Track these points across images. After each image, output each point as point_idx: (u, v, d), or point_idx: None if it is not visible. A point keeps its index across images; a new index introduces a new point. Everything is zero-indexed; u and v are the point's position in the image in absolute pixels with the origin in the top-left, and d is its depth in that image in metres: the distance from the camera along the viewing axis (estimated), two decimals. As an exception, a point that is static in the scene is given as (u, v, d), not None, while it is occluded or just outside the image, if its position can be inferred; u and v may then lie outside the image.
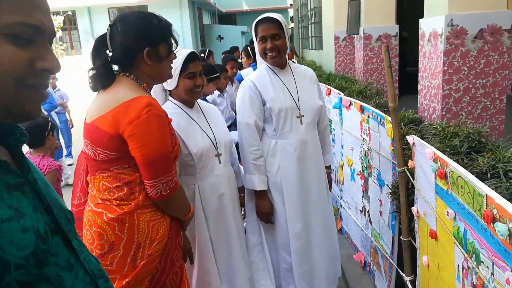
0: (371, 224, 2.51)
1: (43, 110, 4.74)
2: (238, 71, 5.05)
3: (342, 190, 3.14)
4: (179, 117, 1.85)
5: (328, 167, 2.33)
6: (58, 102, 5.45)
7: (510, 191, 1.35)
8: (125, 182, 1.34)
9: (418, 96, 3.32)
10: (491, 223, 1.13)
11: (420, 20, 3.20)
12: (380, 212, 2.33)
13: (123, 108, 1.28)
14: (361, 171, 2.61)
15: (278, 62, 2.09)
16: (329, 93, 3.28)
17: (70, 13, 16.49)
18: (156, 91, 1.94)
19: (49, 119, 2.73)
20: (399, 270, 2.09)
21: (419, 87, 3.28)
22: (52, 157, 2.69)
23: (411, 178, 1.80)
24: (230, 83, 4.09)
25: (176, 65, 1.74)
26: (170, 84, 1.84)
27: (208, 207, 1.87)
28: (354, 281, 2.60)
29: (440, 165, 1.46)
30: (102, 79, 1.37)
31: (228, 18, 25.80)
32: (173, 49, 1.47)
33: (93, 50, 1.39)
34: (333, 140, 3.16)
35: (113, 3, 16.81)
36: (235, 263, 1.96)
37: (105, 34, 1.38)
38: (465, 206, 1.29)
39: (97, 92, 1.41)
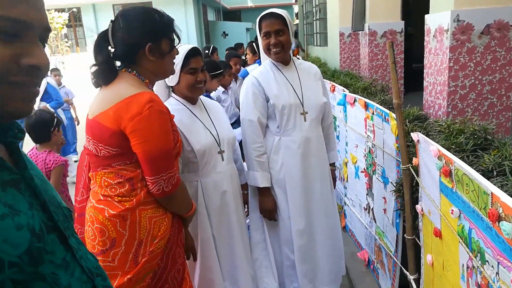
0: (375, 222, 2.49)
1: (49, 107, 4.76)
2: (243, 67, 5.04)
3: (346, 188, 3.12)
4: (182, 114, 1.84)
5: (332, 164, 2.32)
6: (64, 99, 5.47)
7: (516, 189, 1.33)
8: (127, 178, 1.34)
9: (424, 93, 3.28)
10: (497, 222, 1.11)
11: (426, 15, 3.16)
12: (384, 210, 2.32)
13: (124, 104, 1.28)
14: (365, 168, 2.59)
15: (282, 58, 2.07)
16: (334, 90, 3.26)
17: (75, 10, 16.53)
18: (159, 88, 1.93)
19: (55, 115, 2.76)
20: (403, 268, 2.07)
21: (425, 83, 3.25)
22: (58, 153, 2.71)
23: (415, 176, 1.79)
24: (234, 80, 4.08)
25: (178, 61, 1.73)
26: (172, 80, 1.83)
27: (210, 204, 1.87)
28: (357, 279, 2.58)
29: (445, 162, 1.44)
30: (104, 75, 1.36)
31: (233, 15, 25.76)
32: (175, 45, 1.46)
33: (95, 46, 1.38)
34: (338, 137, 3.15)
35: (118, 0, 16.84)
36: (237, 261, 1.96)
37: (107, 30, 1.38)
38: (470, 204, 1.27)
39: (99, 88, 1.41)
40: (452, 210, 1.40)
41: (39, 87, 0.65)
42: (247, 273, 2.00)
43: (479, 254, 1.25)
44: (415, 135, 1.70)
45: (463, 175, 1.30)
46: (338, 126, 3.15)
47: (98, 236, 1.35)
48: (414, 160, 1.76)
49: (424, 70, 3.23)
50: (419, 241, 1.82)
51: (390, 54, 1.83)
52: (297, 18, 19.75)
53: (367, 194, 2.61)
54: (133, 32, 1.35)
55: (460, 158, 1.46)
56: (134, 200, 1.34)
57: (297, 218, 2.09)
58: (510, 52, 2.80)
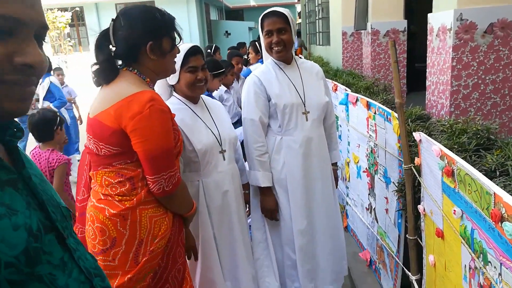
0: (377, 222, 2.48)
1: (52, 107, 4.77)
2: (246, 67, 5.03)
3: (348, 188, 3.11)
4: (183, 113, 1.84)
5: (334, 164, 2.31)
6: (66, 98, 5.48)
7: (519, 189, 1.32)
8: (128, 177, 1.34)
9: (426, 93, 3.27)
10: (499, 223, 1.10)
11: (429, 14, 3.14)
12: (386, 210, 2.31)
13: (125, 102, 1.28)
14: (367, 168, 2.58)
15: (284, 56, 2.06)
16: (336, 89, 3.25)
17: (78, 9, 16.55)
18: (160, 87, 1.93)
19: (58, 113, 2.77)
20: (405, 269, 2.06)
21: (427, 83, 3.23)
22: (61, 151, 2.72)
23: (417, 176, 1.78)
24: (236, 79, 4.08)
25: (177, 59, 1.73)
26: (172, 79, 1.83)
27: (212, 204, 1.86)
28: (359, 280, 2.58)
29: (447, 162, 1.43)
30: (105, 74, 1.36)
31: (236, 14, 25.74)
32: (176, 43, 1.45)
33: (96, 45, 1.38)
34: (340, 136, 3.14)
35: (121, -1, 16.86)
36: (238, 260, 1.95)
37: (108, 28, 1.38)
38: (473, 205, 1.26)
39: (100, 87, 1.40)
40: (454, 210, 1.39)
41: (36, 86, 0.63)
42: (248, 273, 2.00)
43: (481, 255, 1.25)
44: (417, 135, 1.69)
45: (466, 175, 1.29)
46: (340, 126, 3.14)
47: (98, 236, 1.35)
48: (416, 160, 1.75)
49: (427, 70, 3.22)
50: (421, 241, 1.81)
51: (392, 53, 1.82)
52: (299, 17, 19.71)
53: (369, 194, 2.60)
54: (134, 31, 1.34)
55: (462, 158, 1.45)
56: (135, 199, 1.33)
57: (299, 218, 2.09)
58: (513, 51, 2.78)
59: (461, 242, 1.37)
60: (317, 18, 10.49)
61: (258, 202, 2.13)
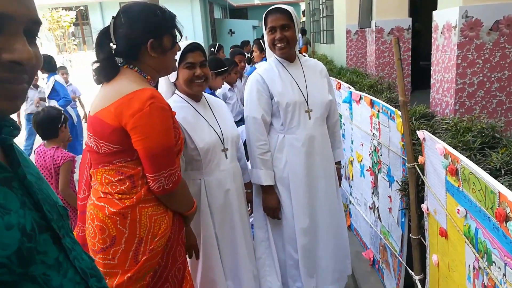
0: (380, 221, 2.46)
1: (57, 106, 4.78)
2: (248, 65, 5.01)
3: (351, 186, 3.10)
4: (185, 111, 1.83)
5: (338, 163, 2.29)
6: (71, 96, 5.50)
7: (525, 188, 1.30)
8: (128, 175, 1.33)
9: (431, 91, 3.24)
10: (504, 222, 1.09)
11: (434, 12, 3.11)
12: (390, 209, 2.29)
13: (126, 100, 1.27)
14: (371, 167, 2.56)
15: (287, 53, 2.05)
16: (339, 87, 3.23)
17: (82, 8, 16.61)
18: (164, 84, 1.93)
19: (62, 111, 2.78)
20: (408, 268, 2.04)
21: (432, 81, 3.20)
22: (65, 149, 2.73)
23: (421, 174, 1.76)
24: (239, 78, 4.07)
25: (176, 56, 1.72)
26: (172, 76, 1.83)
27: (214, 202, 1.85)
28: (362, 279, 2.56)
29: (451, 161, 1.41)
30: (106, 71, 1.35)
31: (239, 12, 25.72)
32: (177, 41, 1.44)
33: (96, 43, 1.38)
34: (343, 135, 3.12)
35: (125, -2, 16.91)
36: (240, 260, 1.94)
37: (109, 26, 1.37)
38: (477, 204, 1.25)
39: (101, 85, 1.40)
40: (458, 209, 1.38)
41: (28, 84, 0.61)
42: (250, 272, 1.99)
43: (485, 255, 1.23)
44: (421, 133, 1.67)
45: (470, 174, 1.28)
46: (344, 124, 3.12)
47: (98, 234, 1.34)
48: (420, 158, 1.73)
49: (431, 67, 3.19)
50: (425, 241, 1.79)
51: (396, 50, 1.80)
52: (303, 16, 19.66)
53: (372, 193, 2.58)
54: (135, 28, 1.34)
55: (467, 157, 1.43)
56: (134, 197, 1.33)
57: (301, 217, 2.07)
58: (519, 48, 2.75)
59: (465, 241, 1.35)
60: (321, 16, 10.45)
61: (261, 200, 2.12)
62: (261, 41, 4.74)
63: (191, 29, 16.06)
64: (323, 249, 2.14)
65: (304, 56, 2.29)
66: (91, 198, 1.40)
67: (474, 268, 1.33)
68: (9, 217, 0.56)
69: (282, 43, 1.99)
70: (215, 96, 2.86)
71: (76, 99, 5.84)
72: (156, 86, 2.38)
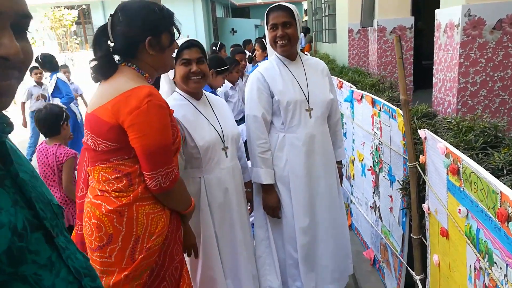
0: (381, 221, 2.45)
1: (60, 103, 4.78)
2: (250, 64, 4.99)
3: (352, 186, 3.08)
4: (185, 109, 1.82)
5: (339, 162, 2.28)
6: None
7: (527, 188, 1.29)
8: (125, 173, 1.32)
9: (433, 90, 3.22)
10: (506, 222, 1.07)
11: (436, 10, 3.09)
12: (391, 208, 2.28)
13: (123, 97, 1.26)
14: (372, 166, 2.55)
15: (288, 51, 2.04)
16: (341, 86, 3.22)
17: (84, 7, 16.61)
18: (165, 82, 1.92)
19: (64, 109, 2.79)
20: (409, 268, 2.03)
21: (434, 80, 3.18)
22: (66, 146, 2.74)
23: (422, 174, 1.74)
24: (240, 76, 4.06)
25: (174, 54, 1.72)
26: (171, 73, 1.83)
27: (213, 201, 1.85)
28: (363, 279, 2.55)
29: (453, 160, 1.40)
30: (104, 69, 1.35)
31: (242, 11, 25.71)
32: (175, 38, 1.43)
33: (94, 41, 1.37)
34: (344, 134, 3.10)
35: (127, -4, 16.85)
36: (239, 259, 1.94)
37: (106, 24, 1.36)
38: (478, 204, 1.23)
39: (99, 83, 1.39)
40: (459, 209, 1.36)
41: (17, 80, 0.60)
42: (249, 272, 1.98)
43: (487, 255, 1.21)
44: (422, 132, 1.66)
45: (471, 173, 1.26)
46: (345, 123, 3.11)
47: (95, 232, 1.33)
48: (421, 157, 1.72)
49: (434, 66, 3.17)
50: (426, 240, 1.78)
51: (397, 48, 1.78)
52: (306, 15, 19.63)
53: (373, 192, 2.57)
54: (133, 26, 1.33)
55: (469, 156, 1.42)
56: (131, 195, 1.32)
57: (301, 216, 2.06)
58: (523, 47, 2.73)
59: (466, 242, 1.34)
60: (323, 15, 10.43)
61: (261, 199, 2.11)
62: (263, 39, 4.73)
63: (193, 28, 16.05)
64: (323, 248, 2.12)
65: (306, 54, 2.28)
66: (88, 196, 1.39)
67: (475, 269, 1.31)
68: None
69: (284, 40, 1.98)
70: (216, 95, 2.85)
71: (78, 97, 5.85)
72: (157, 85, 2.38)
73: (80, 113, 5.84)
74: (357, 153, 2.85)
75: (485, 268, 1.22)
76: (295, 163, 2.05)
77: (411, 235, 1.92)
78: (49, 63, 5.10)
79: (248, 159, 2.18)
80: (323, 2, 10.36)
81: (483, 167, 1.27)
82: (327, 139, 2.14)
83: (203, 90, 1.96)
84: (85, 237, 1.38)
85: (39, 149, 2.61)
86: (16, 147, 0.71)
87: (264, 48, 4.74)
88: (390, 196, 2.27)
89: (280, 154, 2.07)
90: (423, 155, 1.71)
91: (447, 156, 1.44)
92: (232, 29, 19.15)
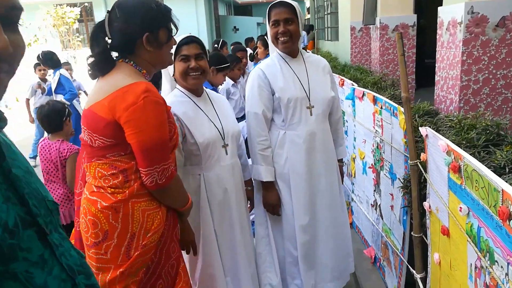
0: (382, 219, 2.44)
1: (64, 100, 4.78)
2: (251, 61, 4.98)
3: (353, 184, 3.07)
4: (186, 106, 1.81)
5: (340, 160, 2.27)
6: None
7: (529, 186, 1.27)
8: (121, 170, 1.32)
9: (435, 88, 3.20)
10: (507, 220, 1.06)
11: (439, 8, 3.07)
12: (392, 206, 2.26)
13: (120, 93, 1.26)
14: (373, 164, 2.53)
15: (290, 48, 2.02)
16: (343, 84, 3.20)
17: (87, 4, 16.62)
18: (166, 79, 1.92)
19: (66, 105, 2.80)
20: (409, 266, 2.02)
21: (436, 78, 3.16)
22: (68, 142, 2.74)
23: (423, 172, 1.73)
24: (241, 74, 4.05)
25: (172, 50, 1.71)
26: (171, 70, 1.82)
27: (213, 199, 1.84)
28: (363, 277, 2.54)
29: (454, 158, 1.39)
30: (101, 66, 1.34)
31: (244, 9, 25.66)
32: (173, 34, 1.43)
33: (91, 37, 1.36)
34: (346, 132, 3.09)
35: (129, -6, 16.83)
36: (238, 258, 1.93)
37: (104, 20, 1.35)
38: (480, 202, 1.22)
39: (96, 79, 1.39)
40: (460, 207, 1.35)
41: (8, 74, 0.58)
42: (248, 272, 1.97)
43: (488, 254, 1.20)
44: (423, 130, 1.64)
45: (473, 171, 1.25)
46: (347, 121, 3.10)
47: (90, 228, 1.33)
48: (422, 155, 1.71)
49: (436, 64, 3.15)
50: (426, 239, 1.77)
51: (399, 45, 1.77)
52: (308, 13, 19.58)
53: (374, 191, 2.56)
54: (130, 22, 1.32)
55: (471, 154, 1.40)
56: (127, 191, 1.31)
57: (301, 214, 2.05)
58: (526, 45, 2.70)
59: (467, 240, 1.32)
60: (325, 13, 10.39)
61: (261, 197, 2.11)
62: (265, 37, 4.72)
63: (195, 26, 16.02)
64: (323, 247, 2.11)
65: (307, 52, 2.27)
66: (84, 192, 1.39)
67: (476, 267, 1.30)
68: None
69: (285, 37, 1.96)
70: (217, 92, 2.84)
71: (81, 93, 5.88)
72: (157, 82, 2.37)
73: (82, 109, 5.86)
74: (358, 151, 2.83)
75: (486, 267, 1.21)
76: (296, 161, 2.04)
77: (411, 233, 1.91)
78: (50, 60, 5.11)
79: (248, 157, 2.17)
80: (325, 0, 10.32)
81: (485, 165, 1.25)
82: (328, 136, 2.13)
83: (204, 87, 1.95)
84: (82, 234, 1.37)
85: (42, 145, 2.61)
86: (11, 142, 0.69)
87: (266, 46, 4.72)
88: (391, 194, 2.25)
89: (281, 152, 2.06)
90: (424, 153, 1.69)
91: (448, 153, 1.43)
92: (234, 27, 19.12)
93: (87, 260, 1.33)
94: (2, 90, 0.59)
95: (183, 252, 1.64)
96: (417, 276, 1.89)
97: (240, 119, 3.40)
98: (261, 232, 2.16)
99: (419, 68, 5.64)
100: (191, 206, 1.54)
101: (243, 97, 3.77)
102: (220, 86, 3.35)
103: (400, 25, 5.09)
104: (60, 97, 4.95)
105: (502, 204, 1.08)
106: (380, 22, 5.12)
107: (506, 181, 1.13)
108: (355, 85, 2.89)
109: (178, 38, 1.76)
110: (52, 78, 5.18)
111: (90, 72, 1.37)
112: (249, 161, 2.17)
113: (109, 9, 1.36)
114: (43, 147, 2.60)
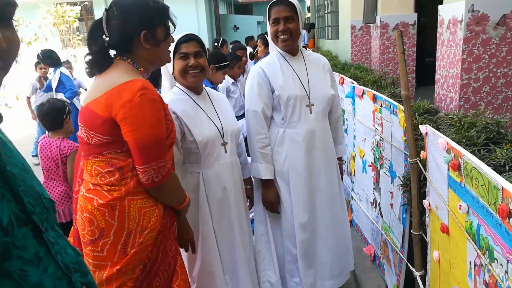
0: (382, 217, 2.44)
1: (64, 98, 4.78)
2: (251, 60, 4.97)
3: (353, 182, 3.07)
4: (185, 104, 1.81)
5: (339, 159, 2.26)
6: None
7: (529, 184, 1.27)
8: (117, 167, 1.31)
9: (435, 86, 3.19)
10: (507, 218, 1.06)
11: (439, 6, 3.06)
12: (391, 204, 2.26)
13: (116, 91, 1.25)
14: (373, 162, 2.53)
15: (290, 46, 2.02)
16: (343, 82, 3.20)
17: (87, 3, 16.61)
18: (165, 79, 1.91)
19: (66, 103, 2.80)
20: (409, 264, 2.02)
21: (436, 76, 3.15)
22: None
23: (423, 170, 1.73)
24: (241, 73, 4.04)
25: (171, 48, 1.71)
26: (170, 68, 1.81)
27: (212, 197, 1.84)
28: (363, 275, 2.54)
29: (454, 156, 1.38)
30: (99, 64, 1.34)
31: (244, 8, 25.64)
32: (170, 32, 1.42)
33: (89, 35, 1.36)
34: (346, 130, 3.09)
35: (130, -7, 16.80)
36: (237, 257, 1.92)
37: (101, 18, 1.35)
38: (479, 200, 1.22)
39: (94, 77, 1.39)
40: (460, 205, 1.34)
41: (2, 70, 0.58)
42: (247, 269, 1.97)
43: (487, 252, 1.20)
44: (423, 128, 1.64)
45: (473, 169, 1.24)
46: (347, 119, 3.09)
47: (87, 226, 1.32)
48: (422, 153, 1.70)
49: (436, 63, 3.14)
50: (426, 237, 1.76)
51: (399, 43, 1.76)
52: (308, 12, 19.55)
53: (374, 189, 2.55)
54: (128, 20, 1.32)
55: (471, 152, 1.40)
56: (123, 189, 1.31)
57: (300, 212, 2.05)
58: (526, 43, 2.70)
59: (467, 238, 1.32)
60: (326, 12, 10.38)
61: (261, 195, 2.10)
62: (266, 36, 4.71)
63: (195, 24, 16.00)
64: (323, 245, 2.11)
65: (307, 50, 2.26)
66: (81, 190, 1.39)
67: (475, 265, 1.30)
68: None
69: (285, 35, 1.96)
70: (217, 91, 2.83)
71: (82, 91, 5.89)
72: (156, 80, 2.37)
73: (83, 108, 5.86)
74: (358, 149, 2.83)
75: (486, 265, 1.20)
76: (295, 159, 2.03)
77: (411, 231, 1.91)
78: (49, 58, 5.11)
79: (248, 155, 2.17)
80: (326, -2, 10.30)
81: (485, 163, 1.25)
82: (327, 135, 2.13)
83: (204, 85, 1.95)
84: (79, 231, 1.37)
85: (42, 143, 2.62)
86: (7, 139, 0.69)
87: (266, 44, 4.72)
88: (391, 192, 2.25)
89: (280, 150, 2.05)
90: (424, 151, 1.69)
91: (448, 151, 1.43)
92: (235, 25, 19.11)
93: (84, 258, 1.32)
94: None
95: (182, 250, 1.64)
96: (417, 274, 1.89)
97: (240, 117, 3.39)
98: (260, 230, 2.15)
99: (420, 66, 5.63)
100: (189, 204, 1.54)
101: (243, 96, 3.77)
102: (220, 85, 3.34)
103: (401, 23, 5.09)
104: (60, 95, 4.94)
105: (502, 202, 1.08)
106: (380, 21, 5.12)
107: (506, 179, 1.13)
108: (355, 83, 2.88)
109: (177, 36, 1.75)
110: (52, 76, 5.18)
111: (87, 70, 1.37)
112: (249, 159, 2.17)
113: (107, 7, 1.36)
114: (43, 145, 2.60)
